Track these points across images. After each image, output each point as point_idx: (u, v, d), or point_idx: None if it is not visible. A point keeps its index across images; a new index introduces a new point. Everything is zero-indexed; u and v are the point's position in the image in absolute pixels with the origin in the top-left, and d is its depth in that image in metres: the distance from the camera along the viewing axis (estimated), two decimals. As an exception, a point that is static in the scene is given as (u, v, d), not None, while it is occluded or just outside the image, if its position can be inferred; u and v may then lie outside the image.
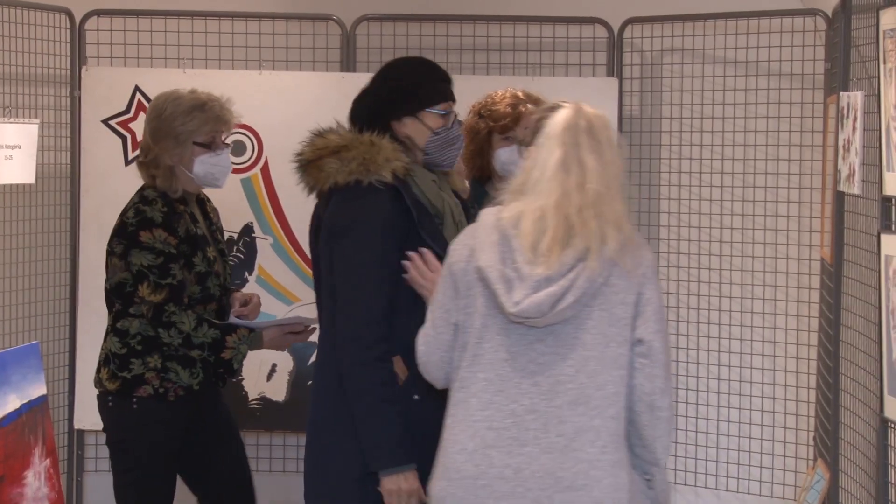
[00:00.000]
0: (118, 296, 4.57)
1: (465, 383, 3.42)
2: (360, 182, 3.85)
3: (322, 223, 3.93)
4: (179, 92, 4.66)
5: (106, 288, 4.63)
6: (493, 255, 3.37)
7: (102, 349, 4.67)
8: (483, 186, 4.81)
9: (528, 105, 4.74)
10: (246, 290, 5.76)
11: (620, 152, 3.46)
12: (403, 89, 4.01)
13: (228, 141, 4.71)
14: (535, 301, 3.28)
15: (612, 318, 3.35)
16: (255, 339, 4.59)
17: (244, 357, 4.59)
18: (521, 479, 3.30)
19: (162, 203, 4.57)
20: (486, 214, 3.47)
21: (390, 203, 3.84)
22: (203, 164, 4.60)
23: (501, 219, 3.41)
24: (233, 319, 4.67)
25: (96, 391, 4.71)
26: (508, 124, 4.72)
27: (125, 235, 4.53)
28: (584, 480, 3.29)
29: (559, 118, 3.44)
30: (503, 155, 4.73)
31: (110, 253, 4.59)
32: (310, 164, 3.98)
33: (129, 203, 4.63)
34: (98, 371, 4.68)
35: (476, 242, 3.42)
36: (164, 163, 4.59)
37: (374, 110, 4.01)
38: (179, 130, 4.58)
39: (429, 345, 3.52)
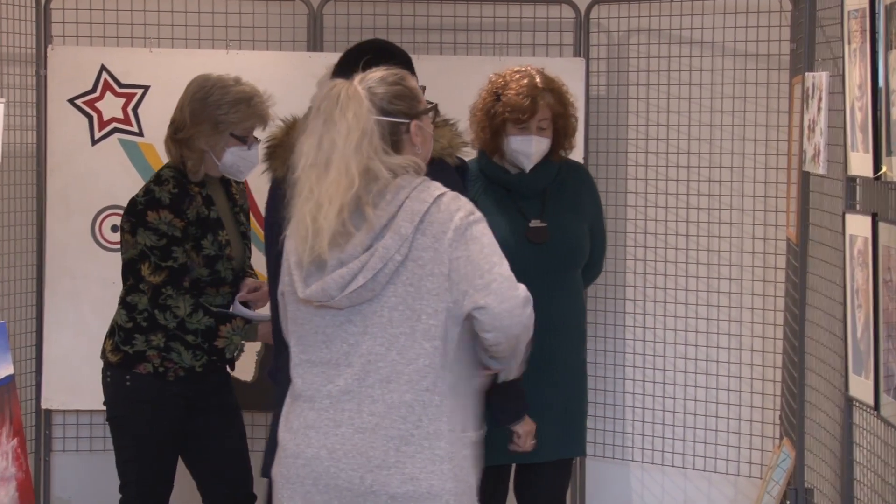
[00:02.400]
0: (130, 271, 4.60)
1: (294, 362, 3.49)
2: None
3: None
4: (226, 80, 4.64)
5: (122, 261, 4.65)
6: (291, 242, 3.43)
7: (112, 320, 4.68)
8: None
9: (546, 96, 4.75)
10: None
11: (357, 124, 3.34)
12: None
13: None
14: (323, 285, 3.33)
15: (420, 292, 3.33)
16: (249, 330, 4.60)
17: (237, 347, 4.61)
18: (335, 460, 3.34)
19: (173, 184, 4.58)
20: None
21: None
22: (233, 156, 4.61)
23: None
24: (236, 304, 4.67)
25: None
26: (524, 118, 4.71)
27: (134, 213, 4.57)
28: (395, 457, 3.32)
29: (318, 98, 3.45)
30: (514, 143, 4.74)
31: (122, 229, 4.62)
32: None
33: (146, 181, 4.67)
34: (104, 340, 4.69)
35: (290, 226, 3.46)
36: (197, 146, 4.59)
37: None
38: (221, 119, 4.57)
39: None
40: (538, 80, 4.79)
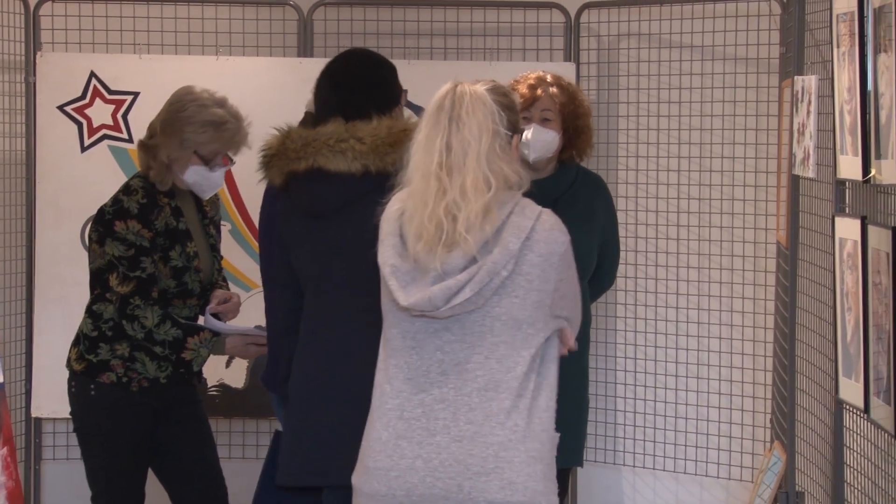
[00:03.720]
0: (97, 281, 4.57)
1: (381, 367, 3.46)
2: None
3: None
4: (204, 98, 4.57)
5: (89, 271, 4.63)
6: (388, 249, 3.40)
7: (78, 328, 4.66)
8: None
9: (550, 88, 4.73)
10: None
11: (487, 125, 3.36)
12: None
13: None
14: (428, 296, 3.30)
15: (525, 304, 3.36)
16: (217, 343, 4.58)
17: (204, 360, 4.57)
18: (431, 469, 3.32)
19: (142, 194, 4.55)
20: (389, 203, 3.48)
21: None
22: (194, 175, 4.58)
23: (396, 209, 3.44)
24: (207, 316, 4.65)
25: (65, 373, 4.69)
26: (525, 105, 4.68)
27: (102, 223, 4.53)
28: (494, 463, 3.30)
29: (432, 101, 3.43)
30: None
31: (90, 238, 4.59)
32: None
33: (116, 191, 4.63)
34: (70, 349, 4.67)
35: (380, 234, 3.45)
36: (160, 156, 4.57)
37: None
38: (187, 136, 4.53)
39: None
40: (548, 76, 4.80)
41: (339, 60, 4.10)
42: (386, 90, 4.02)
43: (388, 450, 3.36)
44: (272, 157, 3.96)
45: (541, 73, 4.82)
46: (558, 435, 3.48)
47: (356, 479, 3.45)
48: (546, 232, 3.39)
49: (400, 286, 3.34)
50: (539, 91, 4.72)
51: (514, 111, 3.50)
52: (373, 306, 3.60)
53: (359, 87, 3.99)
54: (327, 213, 3.90)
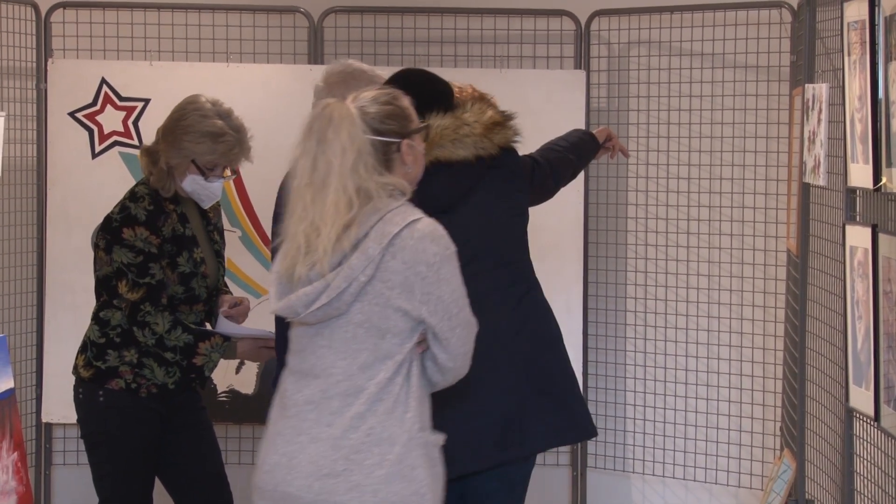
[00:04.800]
0: (104, 288, 4.57)
1: (285, 370, 3.60)
2: None
3: None
4: (207, 109, 4.57)
5: (95, 278, 4.63)
6: (277, 257, 3.51)
7: (84, 335, 4.66)
8: None
9: None
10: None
11: (353, 144, 3.39)
12: None
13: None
14: (289, 302, 3.42)
15: (387, 312, 3.40)
16: (228, 348, 4.58)
17: (216, 365, 4.58)
18: (290, 468, 3.41)
19: (149, 201, 4.55)
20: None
21: None
22: (192, 184, 4.59)
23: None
24: (220, 318, 4.66)
25: (73, 379, 4.69)
26: None
27: (109, 230, 4.53)
28: (344, 465, 3.37)
29: (305, 121, 3.50)
30: None
31: (96, 246, 4.58)
32: None
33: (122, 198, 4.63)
34: (76, 356, 4.67)
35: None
36: (160, 162, 4.58)
37: None
38: (185, 145, 4.54)
39: None
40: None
41: (404, 72, 4.21)
42: (452, 94, 4.18)
43: (267, 444, 3.50)
44: None
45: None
46: (442, 436, 3.53)
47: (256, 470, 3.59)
48: (415, 240, 3.40)
49: (275, 293, 3.48)
50: None
51: (401, 117, 3.52)
52: (520, 280, 4.04)
53: (435, 89, 4.15)
54: (446, 206, 3.98)
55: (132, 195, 4.60)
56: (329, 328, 3.43)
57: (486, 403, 4.00)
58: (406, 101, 3.57)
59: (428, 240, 3.42)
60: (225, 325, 4.66)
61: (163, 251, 4.53)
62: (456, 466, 3.89)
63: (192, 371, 4.56)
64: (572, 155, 4.64)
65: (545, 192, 4.52)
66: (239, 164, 4.67)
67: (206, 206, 4.70)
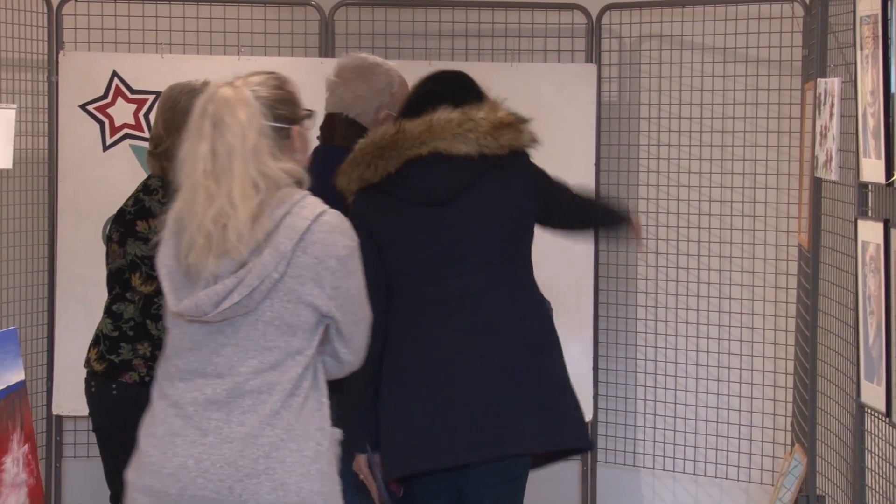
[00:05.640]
0: (117, 281, 4.56)
1: (163, 364, 3.44)
2: None
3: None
4: (193, 84, 4.57)
5: (107, 271, 4.62)
6: (166, 251, 3.36)
7: (96, 329, 4.66)
8: None
9: None
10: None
11: (252, 125, 3.28)
12: None
13: None
14: (196, 301, 3.26)
15: (298, 308, 3.31)
16: None
17: None
18: (202, 471, 3.26)
19: (163, 194, 4.55)
20: (173, 204, 3.42)
21: None
22: None
23: (176, 210, 3.37)
24: None
25: (85, 372, 4.69)
26: None
27: (123, 223, 4.52)
28: (265, 464, 3.26)
29: (194, 107, 3.37)
30: None
31: (109, 239, 4.58)
32: None
33: (134, 191, 4.62)
34: (88, 350, 4.67)
35: (163, 234, 3.40)
36: (175, 154, 4.57)
37: None
38: None
39: None
40: None
41: (432, 74, 4.25)
42: (479, 91, 4.16)
43: (163, 446, 3.31)
44: (383, 149, 4.00)
45: None
46: (339, 431, 3.47)
47: (131, 473, 3.41)
48: (324, 234, 3.32)
49: (173, 289, 3.31)
50: None
51: (291, 102, 3.42)
52: (514, 282, 3.96)
53: (460, 84, 4.16)
54: (444, 199, 3.98)
55: (145, 188, 4.59)
56: (233, 326, 3.29)
57: (467, 396, 3.92)
58: (293, 87, 3.48)
59: (338, 233, 3.34)
60: None
61: None
62: (443, 458, 3.91)
63: None
64: (601, 206, 4.75)
65: (560, 216, 4.34)
66: None
67: None
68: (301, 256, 3.28)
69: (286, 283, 3.27)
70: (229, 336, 3.30)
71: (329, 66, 5.54)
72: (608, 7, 6.40)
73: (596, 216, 4.55)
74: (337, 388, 3.66)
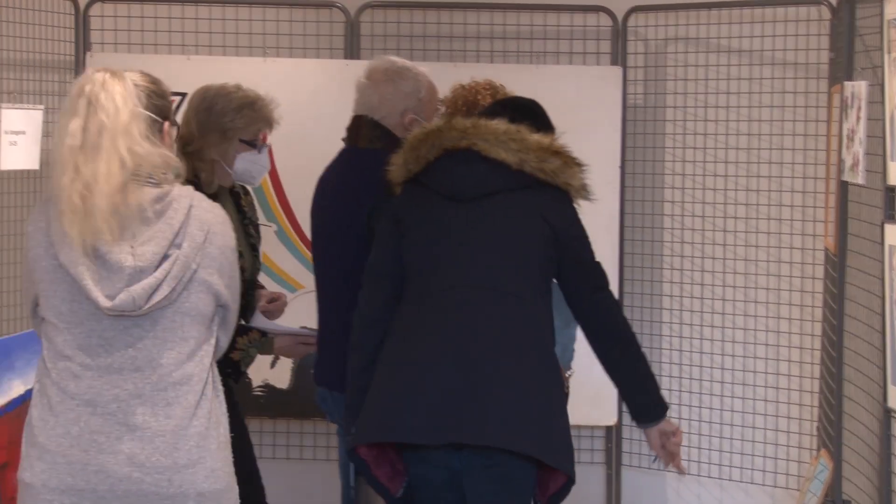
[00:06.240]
0: None
1: (60, 365, 3.37)
2: None
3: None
4: (228, 87, 4.62)
5: None
6: (71, 250, 3.31)
7: None
8: None
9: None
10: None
11: (126, 106, 3.35)
12: None
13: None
14: (132, 296, 3.27)
15: (209, 297, 3.40)
16: (266, 343, 4.59)
17: (252, 360, 4.58)
18: (137, 465, 3.29)
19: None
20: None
21: None
22: (244, 161, 4.59)
23: (46, 190, 3.44)
24: (256, 314, 4.66)
25: None
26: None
27: None
28: (198, 454, 3.34)
29: (72, 89, 3.42)
30: None
31: None
32: None
33: None
34: None
35: (51, 231, 3.37)
36: (207, 156, 4.59)
37: None
38: (228, 126, 4.55)
39: None
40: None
41: (504, 98, 4.34)
42: (547, 121, 4.17)
43: (84, 444, 3.29)
44: (428, 136, 4.02)
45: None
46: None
47: (35, 475, 3.34)
48: (221, 225, 3.44)
49: (95, 287, 3.28)
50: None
51: (164, 98, 3.49)
52: (509, 289, 3.86)
53: (526, 108, 4.19)
54: (471, 198, 3.96)
55: None
56: (151, 319, 3.33)
57: (433, 381, 3.82)
58: (167, 88, 3.55)
59: (227, 223, 3.48)
60: (262, 321, 4.66)
61: None
62: (390, 433, 3.88)
63: (228, 366, 4.57)
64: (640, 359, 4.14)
65: (562, 279, 4.06)
66: (275, 125, 4.66)
67: (257, 183, 4.71)
68: (209, 247, 3.38)
69: (199, 275, 3.37)
70: (147, 329, 3.34)
71: (354, 67, 5.55)
72: (634, 9, 6.39)
73: (605, 333, 4.06)
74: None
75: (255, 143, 4.60)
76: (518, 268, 3.93)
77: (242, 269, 4.62)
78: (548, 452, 3.83)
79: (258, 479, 4.83)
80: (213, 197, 4.60)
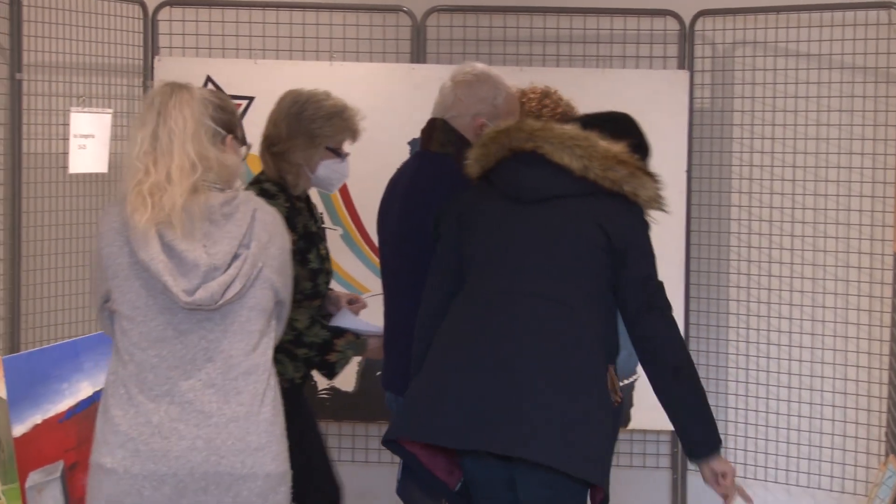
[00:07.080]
0: None
1: (135, 357, 3.56)
2: None
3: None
4: (318, 94, 4.68)
5: None
6: (151, 247, 3.49)
7: None
8: None
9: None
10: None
11: (194, 116, 3.55)
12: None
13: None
14: (210, 292, 3.48)
15: (272, 293, 3.64)
16: (360, 345, 4.62)
17: (348, 362, 4.62)
18: (214, 449, 3.51)
19: (284, 198, 4.59)
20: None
21: None
22: (327, 169, 4.64)
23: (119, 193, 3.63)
24: (346, 314, 4.70)
25: None
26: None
27: None
28: (267, 438, 3.56)
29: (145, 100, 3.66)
30: None
31: None
32: None
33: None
34: None
35: (127, 230, 3.56)
36: (294, 159, 4.62)
37: None
38: (316, 133, 4.61)
39: None
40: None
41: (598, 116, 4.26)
42: (640, 140, 4.15)
43: (165, 432, 3.50)
44: (499, 134, 4.04)
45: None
46: None
47: (114, 459, 3.52)
48: (280, 227, 3.68)
49: (175, 283, 3.47)
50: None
51: (231, 113, 3.71)
52: (554, 296, 3.82)
53: (609, 118, 4.19)
54: (532, 200, 3.97)
55: (264, 193, 4.56)
56: (221, 313, 3.55)
57: (473, 386, 3.78)
58: (232, 104, 3.77)
59: (284, 226, 3.71)
60: (349, 321, 4.69)
61: (297, 248, 4.55)
62: (421, 433, 3.89)
63: (323, 367, 4.60)
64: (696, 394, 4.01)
65: (621, 289, 3.97)
66: (356, 139, 4.71)
67: (335, 190, 4.81)
68: (271, 248, 3.62)
69: (263, 273, 3.60)
70: (217, 322, 3.56)
71: (420, 71, 5.57)
72: (701, 13, 6.36)
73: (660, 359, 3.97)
74: None
75: (339, 152, 4.64)
76: (569, 274, 3.89)
77: (328, 272, 4.68)
78: (570, 463, 3.71)
79: (335, 473, 4.84)
80: (299, 198, 4.65)
